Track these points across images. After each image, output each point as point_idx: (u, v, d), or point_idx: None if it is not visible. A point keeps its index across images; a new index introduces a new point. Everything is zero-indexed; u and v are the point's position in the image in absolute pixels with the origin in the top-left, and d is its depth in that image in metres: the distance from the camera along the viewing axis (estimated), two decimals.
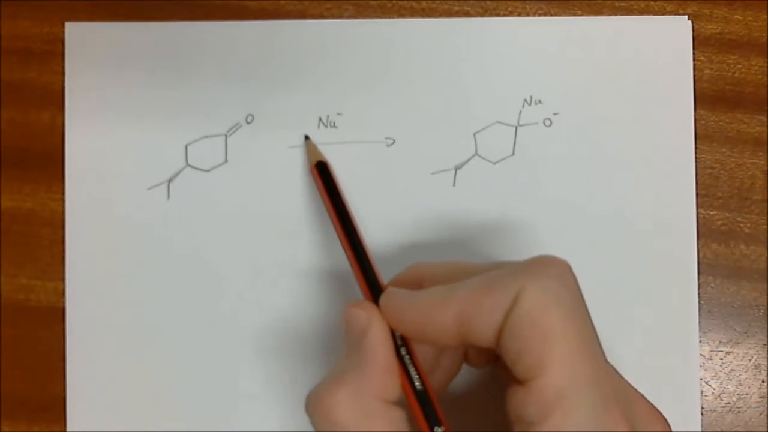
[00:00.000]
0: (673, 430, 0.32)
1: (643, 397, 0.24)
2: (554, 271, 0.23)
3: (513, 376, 0.23)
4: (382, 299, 0.25)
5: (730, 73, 0.34)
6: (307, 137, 0.33)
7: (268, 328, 0.33)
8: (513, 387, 0.23)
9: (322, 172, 0.31)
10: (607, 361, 0.23)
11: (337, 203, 0.30)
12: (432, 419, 0.24)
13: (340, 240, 0.28)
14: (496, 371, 0.28)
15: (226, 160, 0.33)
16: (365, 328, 0.24)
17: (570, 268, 0.24)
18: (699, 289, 0.32)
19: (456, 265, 0.26)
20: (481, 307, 0.23)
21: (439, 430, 0.24)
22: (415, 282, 0.27)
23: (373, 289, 0.26)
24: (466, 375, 0.30)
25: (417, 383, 0.24)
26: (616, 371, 0.24)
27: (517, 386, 0.22)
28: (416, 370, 0.24)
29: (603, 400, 0.22)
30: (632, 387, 0.24)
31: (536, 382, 0.22)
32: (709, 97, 0.33)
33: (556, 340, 0.22)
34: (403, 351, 0.25)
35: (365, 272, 0.27)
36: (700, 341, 0.32)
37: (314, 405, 0.23)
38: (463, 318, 0.23)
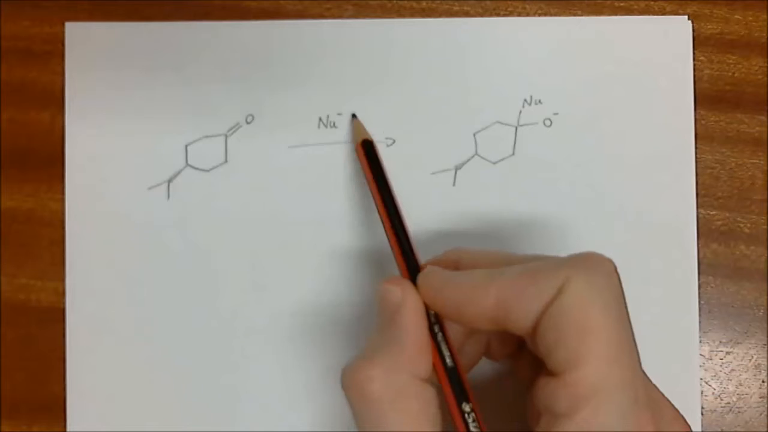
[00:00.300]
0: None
1: (670, 403, 0.24)
2: (600, 268, 0.23)
3: (545, 367, 0.23)
4: (421, 276, 0.25)
5: (730, 73, 0.33)
6: (354, 115, 0.33)
7: (269, 328, 0.33)
8: (544, 378, 0.23)
9: (367, 151, 0.31)
10: (640, 364, 0.23)
11: (381, 182, 0.29)
12: (460, 396, 0.24)
13: (381, 218, 0.28)
14: (514, 366, 0.28)
15: (226, 160, 0.33)
16: (399, 304, 0.24)
17: (615, 268, 0.24)
18: (699, 289, 0.32)
19: (495, 253, 0.27)
20: (522, 293, 0.23)
21: (467, 406, 0.24)
22: (452, 266, 0.27)
23: (411, 266, 0.26)
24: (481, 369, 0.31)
25: (448, 360, 0.24)
26: (647, 375, 0.24)
27: (549, 378, 0.22)
28: (448, 347, 0.25)
29: (634, 401, 0.22)
30: (660, 392, 0.24)
31: (570, 374, 0.22)
32: (709, 97, 0.33)
33: (596, 336, 0.22)
34: (435, 328, 0.25)
35: (404, 250, 0.27)
36: (700, 341, 0.32)
37: (349, 381, 0.24)
38: (503, 303, 0.23)
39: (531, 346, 0.24)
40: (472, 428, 0.24)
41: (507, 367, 0.31)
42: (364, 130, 0.32)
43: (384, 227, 0.28)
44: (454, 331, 0.26)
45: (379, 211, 0.29)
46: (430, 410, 0.24)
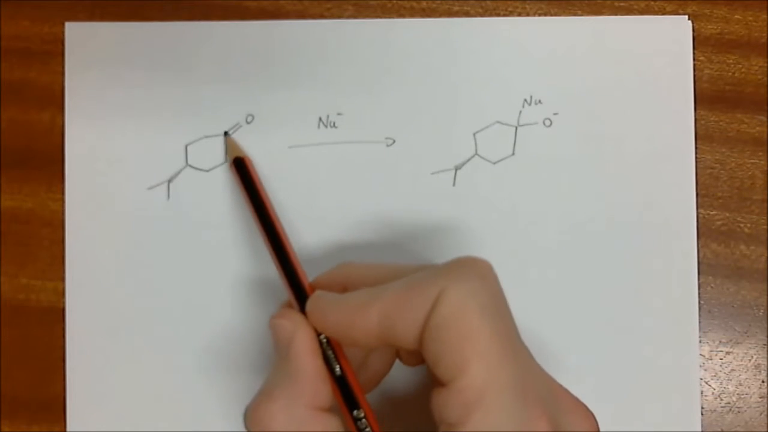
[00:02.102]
0: (672, 430, 0.32)
1: (569, 393, 0.25)
2: (475, 273, 0.24)
3: (435, 378, 0.23)
4: (309, 303, 0.26)
5: (730, 73, 0.33)
6: (226, 133, 0.33)
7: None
8: (436, 389, 0.23)
9: (239, 168, 0.31)
10: (531, 358, 0.24)
11: (256, 201, 0.30)
12: (351, 403, 0.24)
13: (264, 241, 0.29)
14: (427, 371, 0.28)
15: (226, 160, 0.33)
16: (291, 338, 0.25)
17: (491, 268, 0.24)
18: (699, 289, 0.32)
19: (383, 266, 0.27)
20: (402, 309, 0.23)
21: (359, 413, 0.24)
22: (341, 282, 0.27)
23: (299, 292, 0.27)
24: (409, 374, 0.31)
25: (337, 369, 0.25)
26: (542, 369, 0.24)
27: (440, 388, 0.23)
28: (336, 357, 0.25)
29: (522, 397, 0.22)
30: (558, 384, 0.25)
31: (457, 383, 0.22)
32: (709, 97, 0.33)
33: (475, 341, 0.22)
34: (329, 351, 0.25)
35: (290, 276, 0.27)
36: (700, 341, 0.32)
37: (251, 419, 0.24)
38: (386, 321, 0.23)
39: (424, 359, 0.24)
40: None
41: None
42: (238, 147, 0.32)
43: (269, 252, 0.28)
44: None
45: (261, 235, 0.29)
46: None
